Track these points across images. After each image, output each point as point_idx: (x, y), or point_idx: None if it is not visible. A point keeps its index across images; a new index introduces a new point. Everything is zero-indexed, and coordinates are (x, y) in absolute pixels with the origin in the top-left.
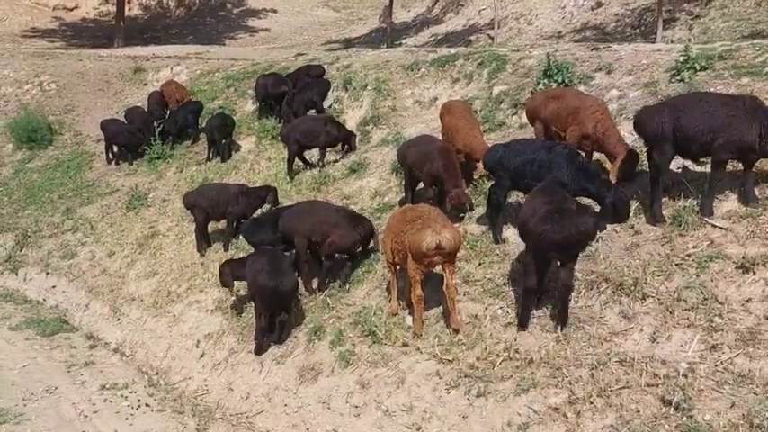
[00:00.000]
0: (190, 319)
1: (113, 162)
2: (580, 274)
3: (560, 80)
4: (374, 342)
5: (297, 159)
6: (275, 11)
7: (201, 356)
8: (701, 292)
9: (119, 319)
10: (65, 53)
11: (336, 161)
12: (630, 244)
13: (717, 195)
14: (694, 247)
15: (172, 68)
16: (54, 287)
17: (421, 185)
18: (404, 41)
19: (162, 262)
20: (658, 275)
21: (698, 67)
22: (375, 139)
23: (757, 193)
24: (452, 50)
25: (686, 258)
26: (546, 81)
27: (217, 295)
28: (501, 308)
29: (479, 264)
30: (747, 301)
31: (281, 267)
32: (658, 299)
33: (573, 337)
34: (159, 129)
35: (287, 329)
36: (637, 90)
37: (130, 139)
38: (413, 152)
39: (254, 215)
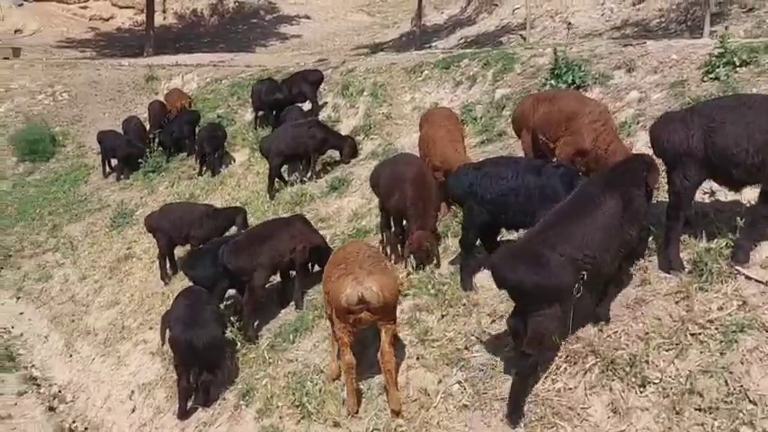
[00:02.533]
0: (132, 362)
1: (110, 175)
2: (561, 342)
3: (570, 80)
4: (303, 417)
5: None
6: (308, 17)
7: (132, 411)
8: (726, 383)
9: (70, 356)
10: (85, 63)
11: (319, 177)
12: (633, 299)
13: (757, 236)
14: (720, 309)
15: (183, 76)
16: (22, 314)
17: None
18: (434, 44)
19: (126, 290)
20: (666, 350)
21: (737, 62)
22: (365, 151)
23: None
24: (461, 50)
25: (707, 326)
26: (553, 82)
27: (154, 334)
28: (459, 382)
29: (442, 316)
30: None
31: (198, 316)
32: (663, 388)
33: None
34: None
35: (213, 390)
36: (661, 91)
37: (128, 151)
38: (385, 176)
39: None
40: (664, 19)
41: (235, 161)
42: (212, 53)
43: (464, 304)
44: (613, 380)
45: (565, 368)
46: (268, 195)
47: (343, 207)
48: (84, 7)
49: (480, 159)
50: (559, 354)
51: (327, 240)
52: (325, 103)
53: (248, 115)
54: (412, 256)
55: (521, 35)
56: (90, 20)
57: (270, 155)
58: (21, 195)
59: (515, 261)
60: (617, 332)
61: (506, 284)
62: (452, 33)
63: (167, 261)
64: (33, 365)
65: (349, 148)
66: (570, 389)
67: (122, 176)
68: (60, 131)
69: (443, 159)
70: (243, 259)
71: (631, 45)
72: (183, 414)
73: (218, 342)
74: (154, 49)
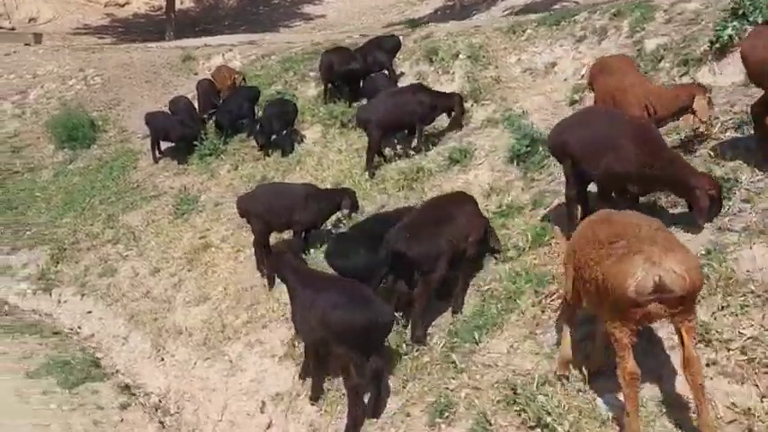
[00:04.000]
0: (251, 366)
1: (161, 160)
2: None
3: (760, 19)
4: None
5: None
6: None
7: (268, 427)
8: None
9: (162, 360)
10: (112, 47)
11: (429, 149)
12: None
13: None
14: None
15: (224, 55)
16: (90, 312)
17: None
18: (475, 17)
19: (215, 283)
20: None
21: None
22: (477, 119)
23: None
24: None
25: None
26: (736, 24)
27: (284, 334)
28: None
29: (720, 308)
30: None
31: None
32: None
33: None
34: (211, 120)
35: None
36: None
37: (183, 132)
38: (579, 136)
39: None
40: None
41: (306, 139)
42: (235, 35)
43: (751, 291)
44: None
45: None
46: (367, 173)
47: (471, 182)
48: None
49: None
50: None
51: None
52: (402, 72)
53: (311, 90)
54: None
55: (575, 2)
56: (105, 6)
57: (370, 126)
58: (65, 184)
59: None
60: None
61: None
62: (493, 5)
63: (263, 250)
64: (119, 371)
65: (459, 107)
66: None
67: (176, 161)
68: (99, 116)
69: (649, 100)
70: (424, 245)
71: None
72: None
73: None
74: (174, 34)
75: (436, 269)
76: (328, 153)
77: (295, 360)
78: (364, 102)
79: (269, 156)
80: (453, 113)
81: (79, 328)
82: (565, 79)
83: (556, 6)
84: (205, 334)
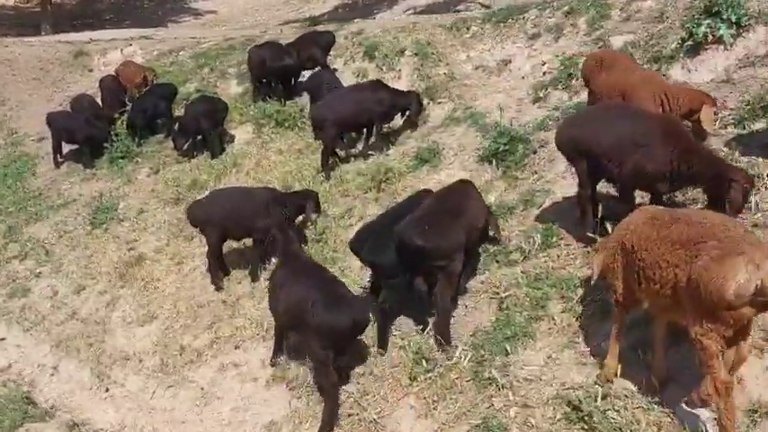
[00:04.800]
0: (228, 393)
1: (63, 164)
2: None
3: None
4: None
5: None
6: None
7: None
8: None
9: (107, 390)
10: None
11: (389, 149)
12: None
13: None
14: None
15: (122, 50)
16: (3, 339)
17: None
18: (377, 15)
19: (159, 300)
20: None
21: None
22: (437, 117)
23: None
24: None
25: None
26: (710, 22)
27: (264, 354)
28: None
29: None
30: None
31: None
32: None
33: None
34: (120, 120)
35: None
36: None
37: (91, 132)
38: (599, 133)
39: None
40: None
41: (237, 139)
42: (124, 30)
43: None
44: None
45: None
46: (324, 175)
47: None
48: None
49: None
50: None
51: None
52: (335, 69)
53: (233, 87)
54: None
55: (480, 3)
56: None
57: (326, 125)
58: None
59: None
60: None
61: None
62: (395, 5)
63: (218, 261)
64: (55, 407)
65: (417, 105)
66: None
67: (84, 165)
68: None
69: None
70: (444, 237)
71: None
72: None
73: None
74: (51, 28)
75: (457, 262)
76: (267, 154)
77: (288, 382)
78: (298, 99)
79: (194, 158)
80: (409, 112)
81: None
82: (523, 77)
83: (459, 7)
84: (159, 358)
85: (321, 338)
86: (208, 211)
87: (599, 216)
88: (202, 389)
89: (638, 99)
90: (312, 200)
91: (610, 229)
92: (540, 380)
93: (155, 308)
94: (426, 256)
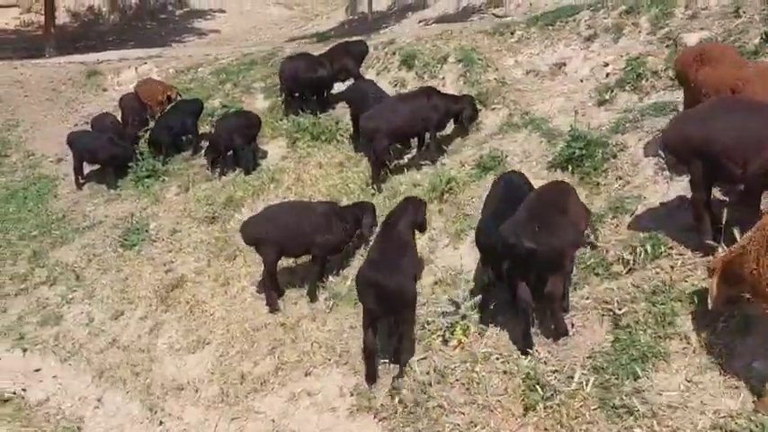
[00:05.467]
0: (305, 424)
1: (84, 185)
2: None
3: None
4: None
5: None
6: (223, 11)
7: None
8: None
9: (161, 423)
10: None
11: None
12: None
13: None
14: None
15: (137, 68)
16: (38, 371)
17: None
18: (386, 30)
19: (210, 325)
20: None
21: None
22: (491, 124)
23: None
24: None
25: None
26: None
27: (340, 381)
28: None
29: None
30: None
31: None
32: None
33: None
34: (142, 139)
35: None
36: None
37: (115, 152)
38: (719, 131)
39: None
40: None
41: (270, 155)
42: (131, 50)
43: None
44: None
45: None
46: (374, 187)
47: None
48: None
49: None
50: None
51: None
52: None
53: (260, 102)
54: None
55: (494, 14)
56: None
57: (378, 136)
58: None
59: None
60: None
61: None
62: (404, 17)
63: (274, 281)
64: None
65: (471, 109)
66: None
67: (107, 185)
68: None
69: None
70: (556, 238)
71: None
72: None
73: None
74: (55, 51)
75: (568, 264)
76: (307, 168)
77: (376, 412)
78: (332, 111)
79: (224, 175)
80: (461, 118)
81: (23, 392)
82: (581, 80)
83: (472, 18)
84: (218, 387)
85: None
86: (264, 227)
87: (723, 222)
88: (273, 421)
89: (751, 94)
90: (370, 212)
91: (738, 236)
92: (687, 407)
93: (205, 333)
94: (537, 259)
